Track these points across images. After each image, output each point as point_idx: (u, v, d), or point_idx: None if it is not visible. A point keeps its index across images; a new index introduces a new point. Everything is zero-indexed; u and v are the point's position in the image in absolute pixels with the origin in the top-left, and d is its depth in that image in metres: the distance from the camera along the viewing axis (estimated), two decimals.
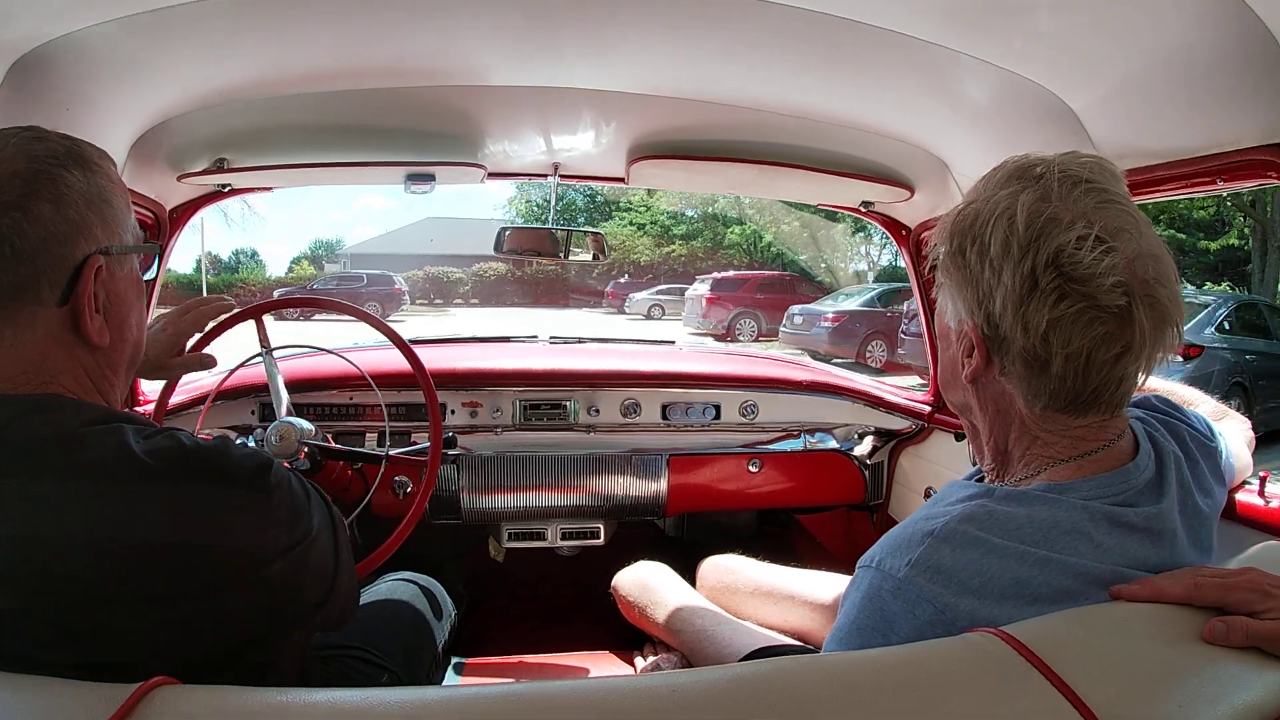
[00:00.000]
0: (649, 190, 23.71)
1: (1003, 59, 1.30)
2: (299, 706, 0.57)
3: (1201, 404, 1.26)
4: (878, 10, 1.21)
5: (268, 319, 1.61)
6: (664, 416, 2.28)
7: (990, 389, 0.86)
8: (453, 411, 2.16)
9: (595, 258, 2.14)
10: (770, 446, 2.35)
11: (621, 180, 2.06)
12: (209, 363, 1.41)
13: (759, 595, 1.69)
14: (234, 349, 1.65)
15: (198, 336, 1.41)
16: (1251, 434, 1.29)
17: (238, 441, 1.79)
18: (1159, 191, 1.36)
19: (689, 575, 1.85)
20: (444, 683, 1.62)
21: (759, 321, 16.67)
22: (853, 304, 13.60)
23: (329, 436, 1.71)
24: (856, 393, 2.39)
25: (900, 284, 13.19)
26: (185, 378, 1.67)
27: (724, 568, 1.80)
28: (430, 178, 1.93)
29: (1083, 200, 0.77)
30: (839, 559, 2.50)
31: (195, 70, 1.44)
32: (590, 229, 2.22)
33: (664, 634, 1.69)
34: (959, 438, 2.09)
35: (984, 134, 1.61)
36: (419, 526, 1.57)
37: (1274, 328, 8.76)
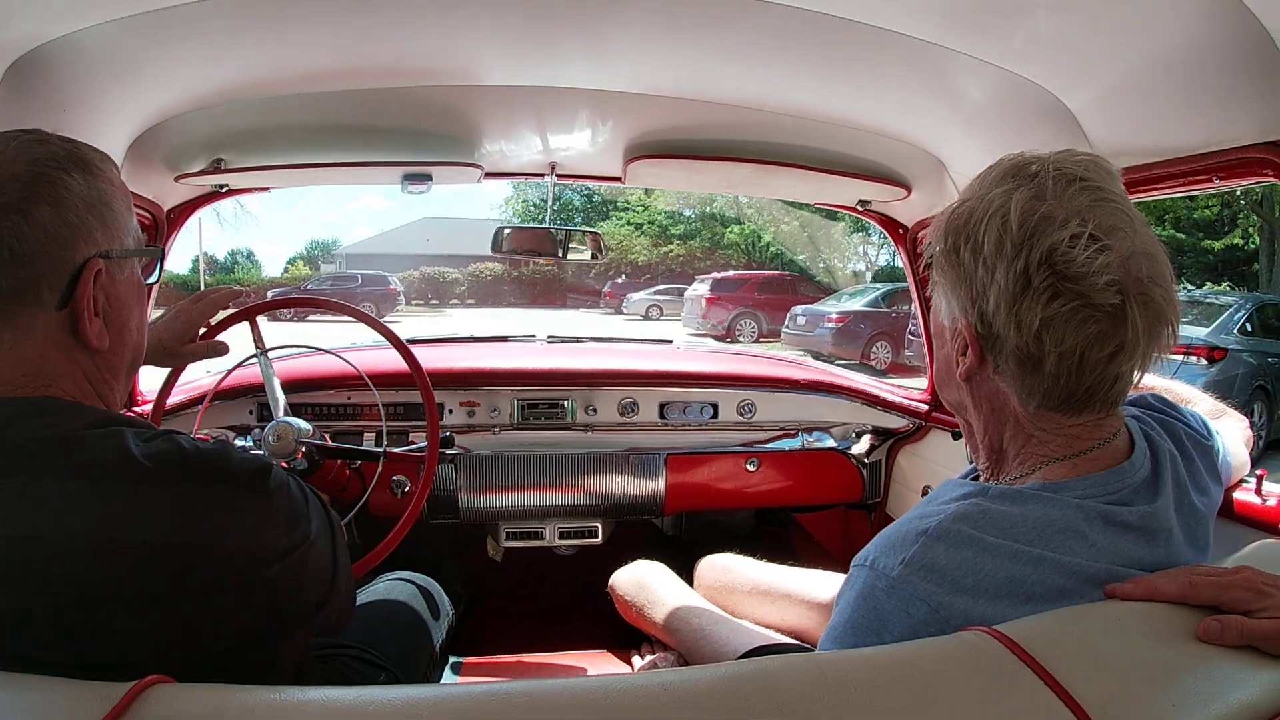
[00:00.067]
0: (646, 190, 23.69)
1: (1000, 58, 1.30)
2: (293, 705, 0.57)
3: (1199, 402, 1.26)
4: (875, 10, 1.21)
5: (261, 320, 1.61)
6: (662, 416, 2.28)
7: (984, 387, 0.86)
8: (450, 411, 2.16)
9: (593, 257, 2.14)
10: (768, 445, 2.35)
11: (618, 180, 2.06)
12: (221, 349, 1.43)
13: (756, 594, 1.69)
14: (231, 349, 1.64)
15: (212, 322, 1.43)
16: (1250, 432, 1.29)
17: (235, 441, 1.79)
18: (1156, 189, 1.36)
19: (686, 574, 1.85)
20: (441, 682, 1.62)
21: (760, 322, 16.58)
22: (856, 304, 13.46)
23: (326, 436, 1.71)
24: (854, 391, 2.39)
25: (903, 283, 13.11)
26: (183, 378, 1.67)
27: (721, 567, 1.80)
28: (427, 178, 1.93)
29: (1077, 198, 0.77)
30: (837, 558, 2.50)
31: (192, 71, 1.44)
32: (588, 229, 2.22)
33: (661, 633, 1.69)
34: (956, 436, 2.10)
35: (981, 133, 1.61)
36: (417, 526, 1.57)
37: None
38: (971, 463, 0.97)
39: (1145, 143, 1.30)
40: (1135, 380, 0.81)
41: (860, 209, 2.19)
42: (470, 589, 2.11)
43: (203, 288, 1.49)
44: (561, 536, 2.25)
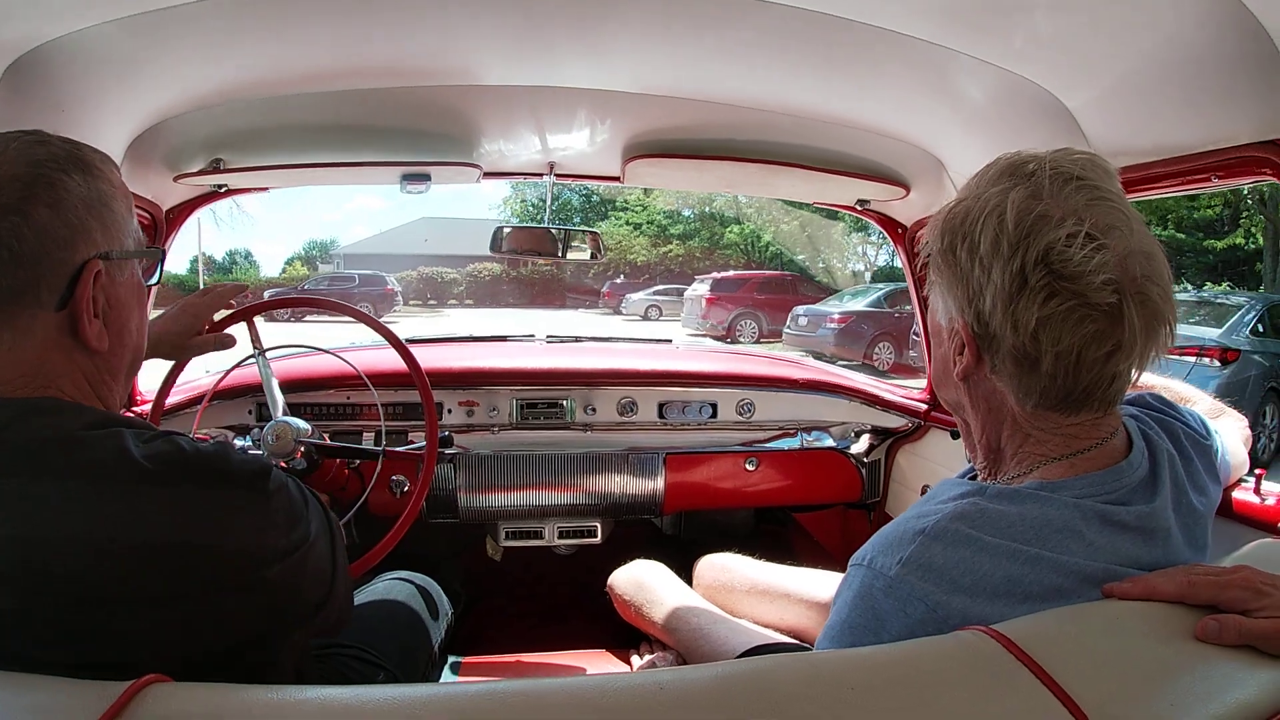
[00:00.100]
0: (645, 190, 23.67)
1: (999, 58, 1.30)
2: (290, 704, 0.57)
3: (1198, 401, 1.26)
4: (874, 9, 1.21)
5: (258, 320, 1.61)
6: (661, 415, 2.28)
7: (982, 387, 0.86)
8: (449, 411, 2.16)
9: (592, 257, 2.14)
10: (767, 445, 2.34)
11: (617, 179, 2.06)
12: (228, 342, 1.44)
13: (755, 594, 1.69)
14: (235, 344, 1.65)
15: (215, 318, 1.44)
16: (1248, 431, 1.29)
17: (235, 441, 1.79)
18: (1155, 189, 1.36)
19: (685, 574, 1.85)
20: (440, 682, 1.62)
21: (760, 323, 16.49)
22: (859, 304, 13.28)
23: (325, 436, 1.71)
24: (853, 391, 2.39)
25: (905, 283, 12.98)
26: (182, 378, 1.67)
27: (720, 566, 1.80)
28: (426, 177, 1.93)
29: (1074, 197, 0.77)
30: (836, 557, 2.49)
31: (191, 71, 1.44)
32: (587, 228, 2.22)
33: (660, 633, 1.69)
34: (955, 436, 2.09)
35: (979, 133, 1.61)
36: (416, 526, 1.56)
37: None
38: (970, 462, 0.97)
39: (1144, 142, 1.30)
40: (1133, 379, 0.81)
41: (859, 208, 2.19)
42: (469, 588, 2.11)
43: (202, 288, 1.49)
44: (560, 536, 2.25)
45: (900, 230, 2.22)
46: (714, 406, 2.30)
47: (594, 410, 2.24)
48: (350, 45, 1.42)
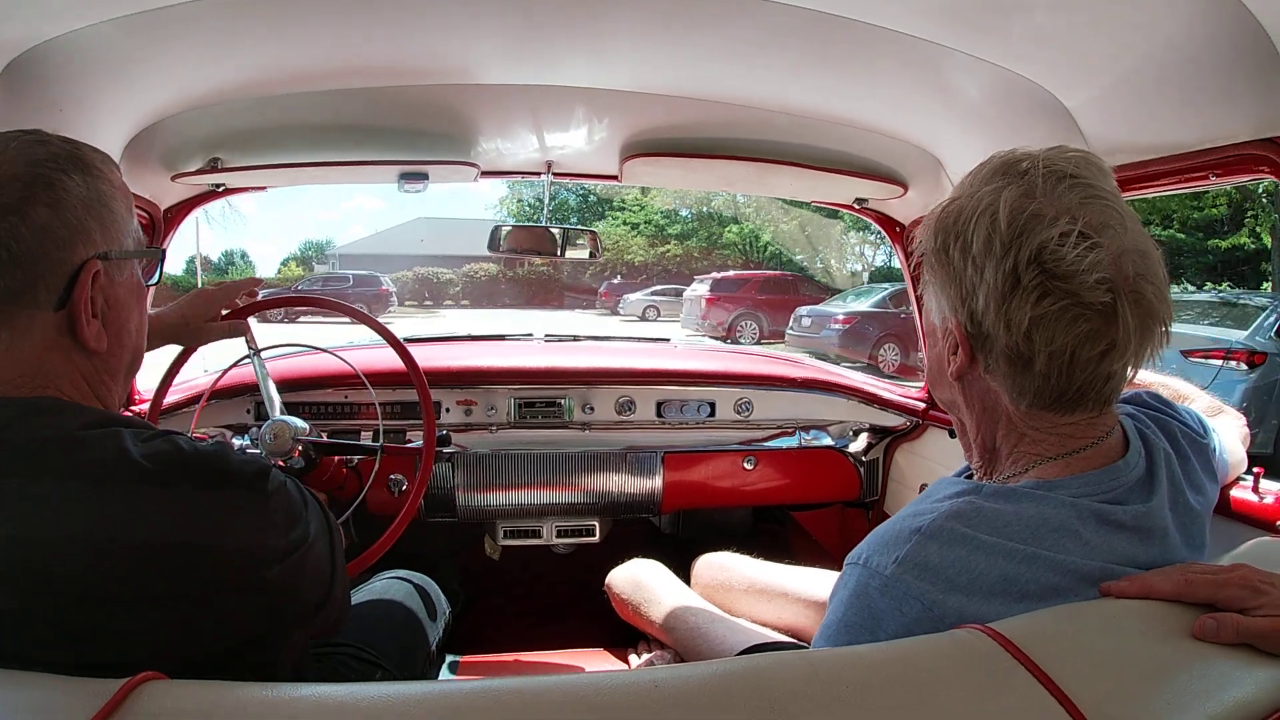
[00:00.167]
0: (643, 189, 23.65)
1: (997, 57, 1.30)
2: (285, 701, 0.57)
3: (1196, 399, 1.26)
4: (873, 8, 1.21)
5: (251, 320, 1.60)
6: (659, 414, 2.28)
7: (976, 386, 0.86)
8: (447, 410, 2.16)
9: (591, 255, 2.14)
10: (765, 444, 2.35)
11: (615, 178, 2.06)
12: (241, 329, 1.48)
13: (753, 592, 1.69)
14: (227, 348, 1.64)
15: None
16: (1247, 429, 1.29)
17: (233, 440, 1.79)
18: (1153, 187, 1.36)
19: (683, 573, 1.85)
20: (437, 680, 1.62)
21: (761, 323, 16.38)
22: (863, 304, 12.97)
23: (323, 435, 1.71)
24: (851, 390, 2.39)
25: None
26: (180, 377, 1.67)
27: (718, 565, 1.80)
28: (423, 176, 1.93)
29: (1067, 196, 0.76)
30: (834, 556, 2.49)
31: (189, 70, 1.44)
32: (585, 228, 2.22)
33: (658, 632, 1.69)
34: (953, 434, 2.09)
35: (977, 131, 1.61)
36: (414, 525, 1.56)
37: None
38: (966, 461, 0.97)
39: (1142, 140, 1.30)
40: (1129, 378, 0.80)
41: (857, 207, 2.19)
42: (467, 587, 2.11)
43: (199, 288, 1.50)
44: (559, 535, 2.25)
45: (898, 229, 2.22)
46: (712, 405, 2.30)
47: (592, 409, 2.24)
48: (348, 44, 1.41)
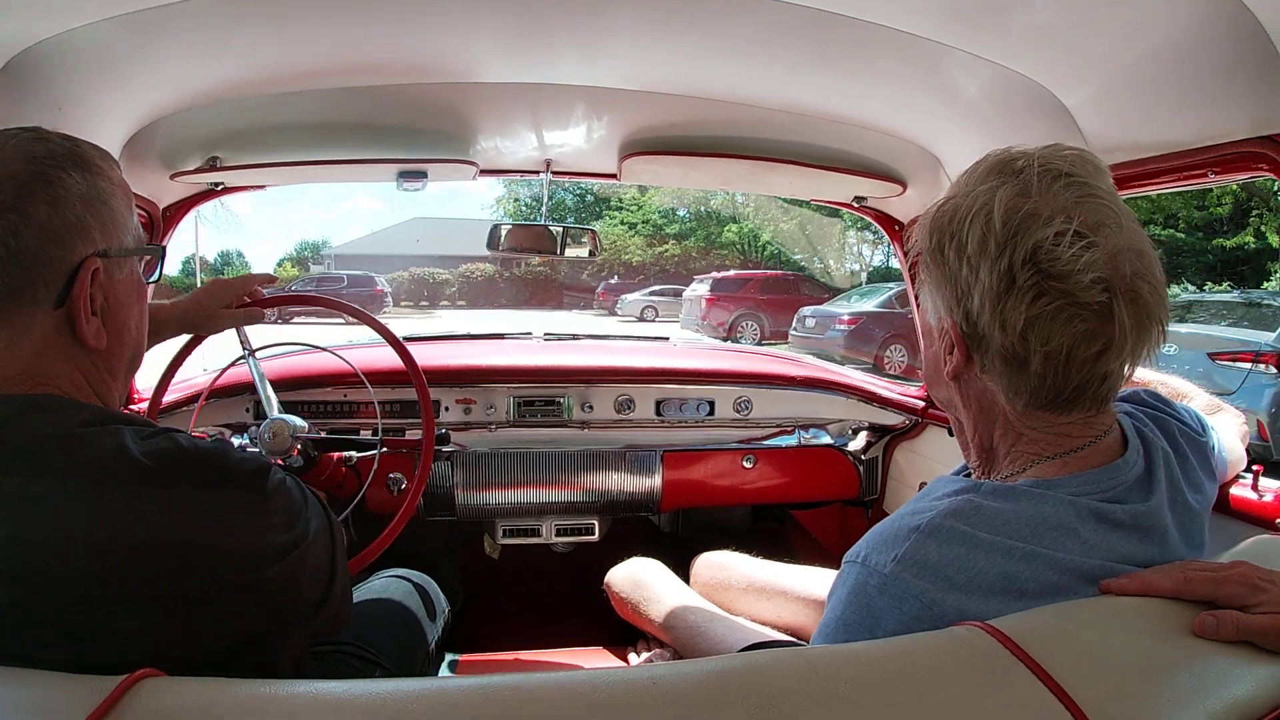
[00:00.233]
0: (640, 188, 23.65)
1: (996, 55, 1.30)
2: (283, 698, 0.57)
3: (1195, 397, 1.26)
4: (872, 6, 1.21)
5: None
6: (658, 413, 2.28)
7: (973, 386, 0.86)
8: (446, 408, 2.16)
9: (590, 254, 2.14)
10: (765, 442, 2.35)
11: (614, 176, 2.06)
12: (256, 316, 1.48)
13: (753, 591, 1.68)
14: (228, 347, 1.64)
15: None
16: (1246, 427, 1.29)
17: (232, 439, 1.78)
18: (1151, 184, 1.36)
19: (683, 571, 1.85)
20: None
21: (762, 323, 16.29)
22: (868, 305, 12.78)
23: (322, 433, 1.71)
24: (850, 388, 2.39)
25: None
26: (179, 376, 1.68)
27: (718, 564, 1.79)
28: (422, 175, 1.93)
29: (1062, 195, 0.76)
30: (834, 554, 2.49)
31: (187, 69, 1.44)
32: (584, 226, 2.22)
33: (657, 630, 1.69)
34: (952, 433, 2.10)
35: (976, 129, 1.61)
36: (414, 524, 1.56)
37: None
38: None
39: (1141, 138, 1.31)
40: (1126, 376, 0.80)
41: (856, 205, 2.18)
42: (467, 586, 2.11)
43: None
44: (558, 534, 2.25)
45: (897, 227, 2.22)
46: (711, 404, 2.30)
47: (591, 408, 2.23)
48: (347, 43, 1.41)
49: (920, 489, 2.10)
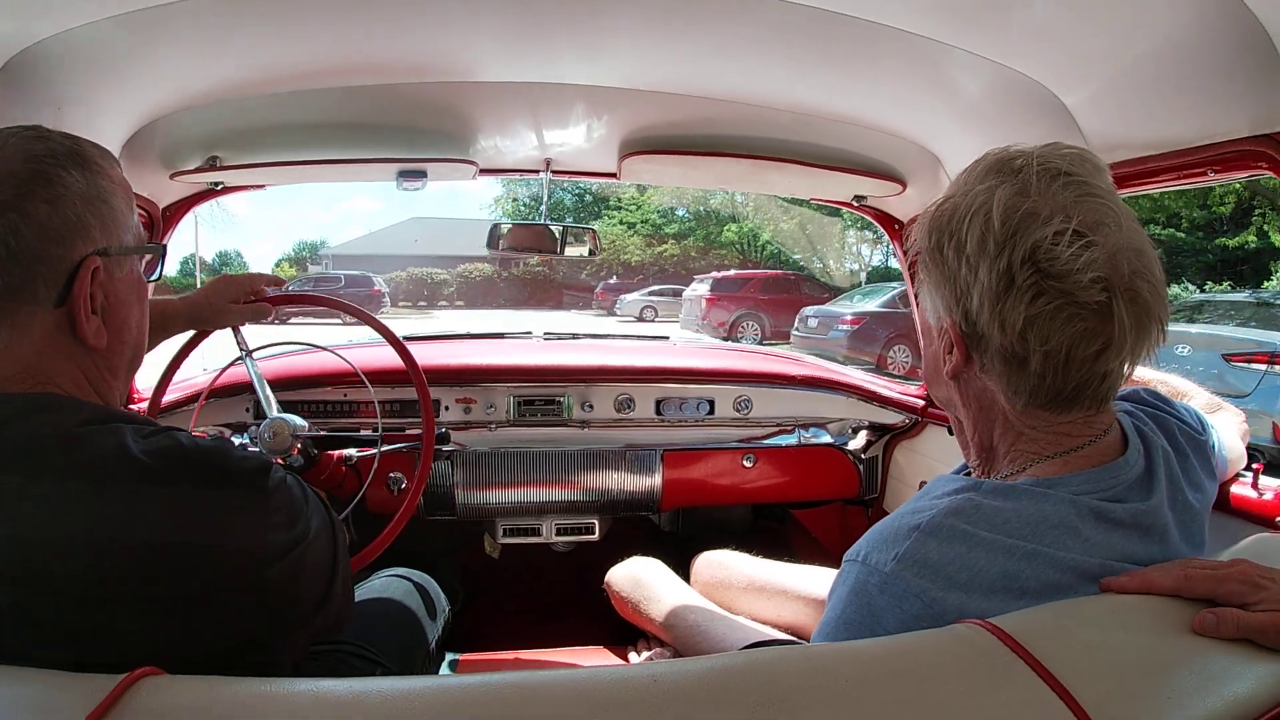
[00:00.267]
0: (639, 188, 23.63)
1: (996, 53, 1.30)
2: (284, 696, 0.57)
3: (1195, 395, 1.26)
4: (872, 5, 1.20)
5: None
6: (658, 412, 2.28)
7: (972, 385, 0.86)
8: (446, 408, 2.16)
9: (591, 252, 2.14)
10: (765, 441, 2.35)
11: (614, 176, 2.06)
12: (264, 312, 1.49)
13: (753, 590, 1.68)
14: (228, 348, 1.64)
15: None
16: (1246, 426, 1.29)
17: (232, 439, 1.78)
18: (1151, 183, 1.36)
19: (683, 570, 1.85)
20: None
21: (763, 323, 16.19)
22: (872, 304, 12.54)
23: (322, 433, 1.71)
24: (850, 387, 2.39)
25: None
26: (178, 376, 1.68)
27: (718, 563, 1.79)
28: (422, 174, 1.93)
29: (1062, 194, 0.76)
30: (834, 554, 2.49)
31: (187, 68, 1.44)
32: (584, 225, 2.22)
33: (657, 630, 1.69)
34: (952, 432, 2.10)
35: (976, 128, 1.61)
36: (414, 523, 1.56)
37: None
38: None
39: (1140, 136, 1.30)
40: (1126, 375, 0.80)
41: (856, 204, 2.18)
42: (467, 586, 2.11)
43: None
44: (558, 533, 2.25)
45: (897, 226, 2.22)
46: (711, 403, 2.30)
47: (591, 407, 2.23)
48: (347, 42, 1.41)
49: (920, 488, 2.10)
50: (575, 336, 2.81)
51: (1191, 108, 1.20)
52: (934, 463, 2.28)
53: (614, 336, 2.92)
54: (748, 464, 2.31)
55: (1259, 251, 14.99)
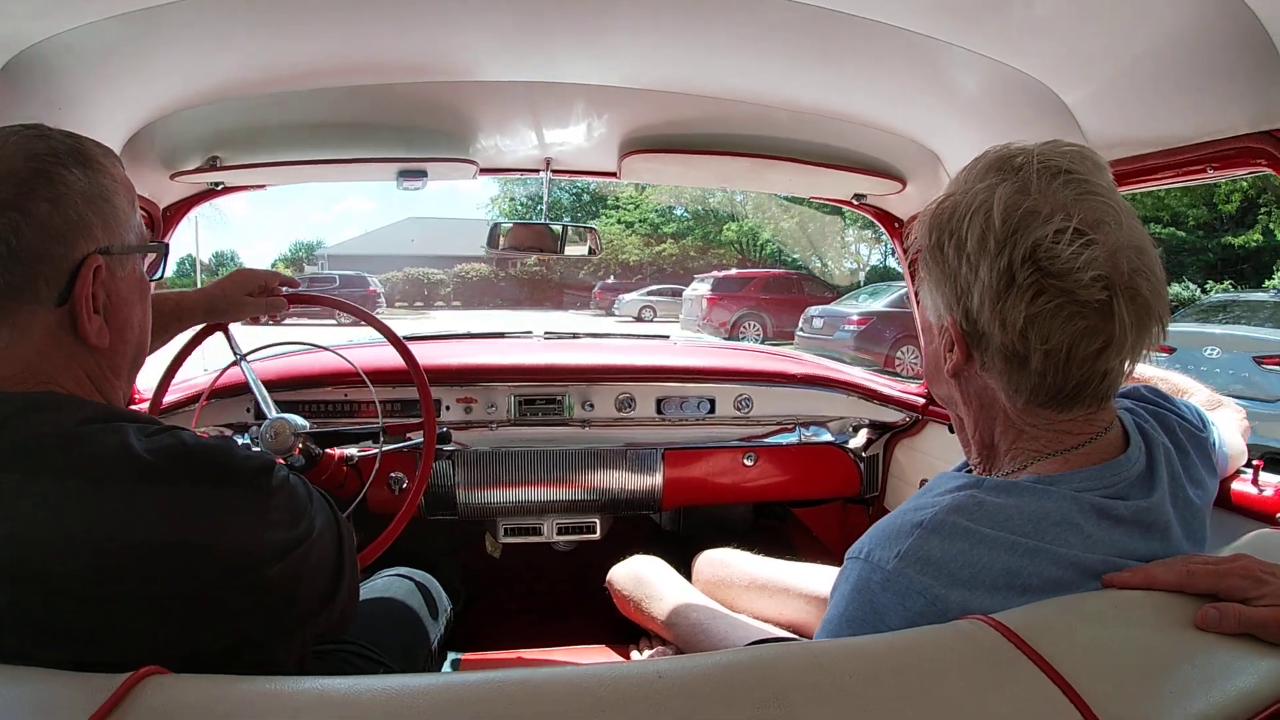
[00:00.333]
0: (637, 187, 23.58)
1: (995, 51, 1.30)
2: (289, 694, 0.57)
3: (1195, 393, 1.26)
4: (871, 3, 1.21)
5: (234, 326, 1.59)
6: (659, 411, 2.28)
7: (973, 383, 0.86)
8: (447, 407, 2.16)
9: (591, 252, 2.14)
10: (765, 440, 2.35)
11: (614, 175, 2.06)
12: (278, 304, 1.49)
13: (754, 589, 1.69)
14: (224, 349, 1.65)
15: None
16: (1246, 422, 1.29)
17: (234, 439, 1.78)
18: (1150, 180, 1.36)
19: (685, 569, 1.85)
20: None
21: (765, 323, 16.10)
22: (878, 304, 12.22)
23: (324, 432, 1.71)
24: (851, 385, 2.39)
25: None
26: (179, 377, 1.67)
27: (719, 561, 1.79)
28: (422, 174, 1.93)
29: (1062, 192, 0.76)
30: (835, 552, 2.50)
31: (187, 68, 1.44)
32: (584, 224, 2.22)
33: (659, 628, 1.69)
34: (953, 430, 2.10)
35: (976, 127, 1.61)
36: (415, 523, 1.56)
37: None
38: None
39: (1140, 134, 1.31)
40: (1126, 373, 0.80)
41: (855, 203, 2.18)
42: (469, 585, 2.11)
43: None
44: (559, 532, 2.25)
45: (897, 224, 2.22)
46: (712, 402, 2.31)
47: (592, 406, 2.24)
48: (347, 42, 1.41)
49: (921, 486, 2.10)
50: (575, 336, 2.81)
51: (1191, 105, 1.20)
52: (935, 461, 2.28)
53: (614, 336, 2.92)
54: (748, 463, 2.31)
55: (1259, 250, 14.97)
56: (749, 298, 16.56)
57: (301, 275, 25.14)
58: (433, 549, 2.21)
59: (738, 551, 1.82)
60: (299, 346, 2.04)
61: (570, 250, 2.09)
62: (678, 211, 26.95)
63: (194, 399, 1.90)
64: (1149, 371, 1.26)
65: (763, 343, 14.47)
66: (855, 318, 12.03)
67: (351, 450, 1.65)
